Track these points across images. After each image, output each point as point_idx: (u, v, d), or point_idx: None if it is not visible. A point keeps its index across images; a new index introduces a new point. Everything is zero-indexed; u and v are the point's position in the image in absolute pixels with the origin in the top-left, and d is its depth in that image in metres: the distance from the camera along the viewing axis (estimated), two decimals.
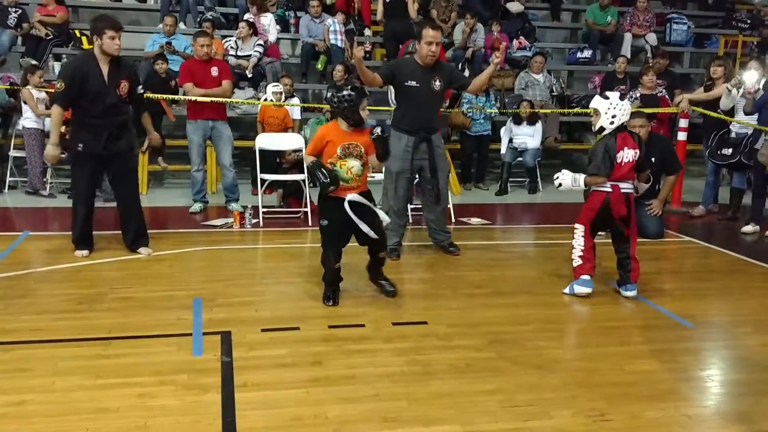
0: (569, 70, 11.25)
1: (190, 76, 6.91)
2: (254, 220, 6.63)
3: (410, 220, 6.61)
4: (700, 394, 3.47)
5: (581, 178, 4.71)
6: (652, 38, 11.07)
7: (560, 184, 4.79)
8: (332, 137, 4.35)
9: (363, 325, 4.14)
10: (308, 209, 6.82)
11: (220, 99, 6.97)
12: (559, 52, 11.85)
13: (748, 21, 12.04)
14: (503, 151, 8.86)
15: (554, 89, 9.76)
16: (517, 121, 8.78)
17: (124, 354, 3.65)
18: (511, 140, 8.83)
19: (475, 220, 7.17)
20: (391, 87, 7.94)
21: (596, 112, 4.63)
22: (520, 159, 8.84)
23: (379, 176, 7.10)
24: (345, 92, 4.29)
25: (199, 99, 6.83)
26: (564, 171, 4.85)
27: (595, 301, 4.70)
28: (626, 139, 4.65)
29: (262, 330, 4.02)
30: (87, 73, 5.07)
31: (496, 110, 9.06)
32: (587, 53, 10.99)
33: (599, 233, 6.58)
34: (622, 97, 4.66)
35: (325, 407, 3.14)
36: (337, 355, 3.70)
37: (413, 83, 5.37)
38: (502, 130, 9.00)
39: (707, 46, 11.95)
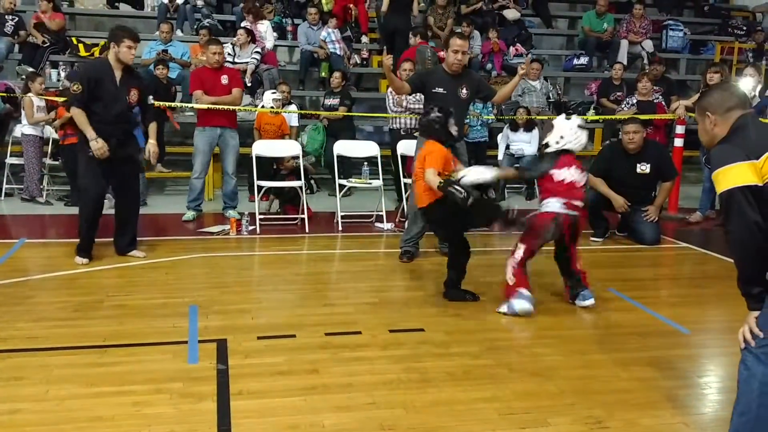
0: (566, 76, 11.28)
1: (200, 84, 6.91)
2: (251, 227, 6.62)
3: (392, 229, 6.60)
4: (697, 401, 3.46)
5: (494, 170, 4.60)
6: (648, 45, 11.10)
7: (462, 176, 4.45)
8: (449, 156, 4.58)
9: (359, 333, 4.13)
10: (305, 216, 6.81)
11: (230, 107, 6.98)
12: (555, 59, 11.89)
13: (744, 28, 12.10)
14: (500, 157, 8.87)
15: (551, 96, 9.78)
16: (514, 127, 8.79)
17: (119, 362, 3.63)
18: (507, 147, 8.83)
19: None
20: (389, 93, 8.04)
21: (552, 126, 4.62)
22: (517, 165, 8.84)
23: (377, 182, 7.13)
24: (433, 115, 4.52)
25: (209, 107, 6.83)
26: (470, 169, 4.58)
27: (591, 308, 4.69)
28: (571, 161, 4.54)
29: (258, 338, 4.00)
30: (101, 78, 5.16)
31: (493, 117, 9.06)
32: (584, 60, 11.02)
33: (595, 239, 6.63)
34: (581, 126, 4.59)
35: (322, 415, 3.12)
36: (334, 363, 3.68)
37: (441, 90, 5.47)
38: (499, 136, 9.01)
39: (703, 53, 12.00)
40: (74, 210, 7.27)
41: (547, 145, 4.61)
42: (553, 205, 4.51)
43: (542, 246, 4.64)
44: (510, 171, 4.62)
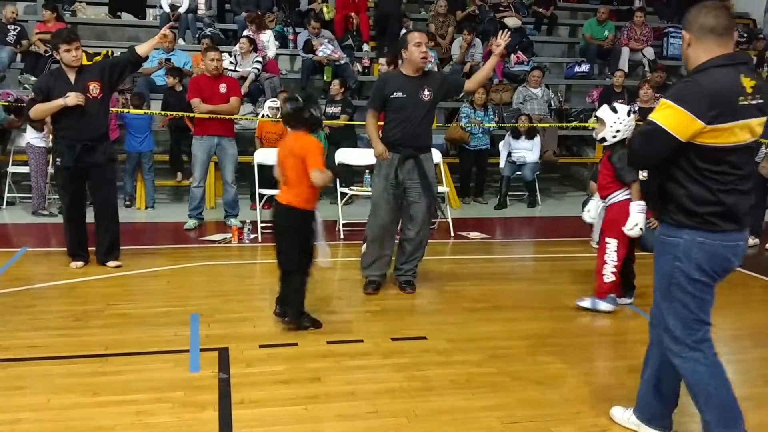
0: (567, 84, 11.29)
1: (198, 92, 6.91)
2: (253, 236, 6.61)
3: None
4: None
5: (637, 204, 4.50)
6: (649, 52, 11.11)
7: (639, 226, 4.51)
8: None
9: (361, 341, 4.12)
10: None
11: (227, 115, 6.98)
12: (556, 67, 11.90)
13: (745, 35, 12.09)
14: (502, 165, 8.87)
15: (552, 103, 9.79)
16: (516, 135, 8.79)
17: (121, 371, 3.62)
18: (509, 154, 8.83)
19: (474, 234, 7.16)
20: None
21: (601, 122, 4.61)
22: (518, 173, 8.84)
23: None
24: (298, 104, 4.11)
25: (206, 115, 6.83)
26: (630, 219, 4.52)
27: (594, 315, 4.68)
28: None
29: (260, 346, 3.99)
30: (54, 85, 5.20)
31: (495, 124, 9.07)
32: (585, 67, 11.03)
33: (596, 246, 6.60)
34: (629, 113, 4.63)
35: (324, 424, 3.11)
36: (336, 372, 3.67)
37: (400, 94, 4.92)
38: (501, 144, 9.01)
39: None
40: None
41: (604, 140, 4.60)
42: (627, 192, 4.56)
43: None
44: (635, 189, 4.49)
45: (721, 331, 4.57)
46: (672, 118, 2.54)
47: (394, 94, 4.93)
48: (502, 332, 4.34)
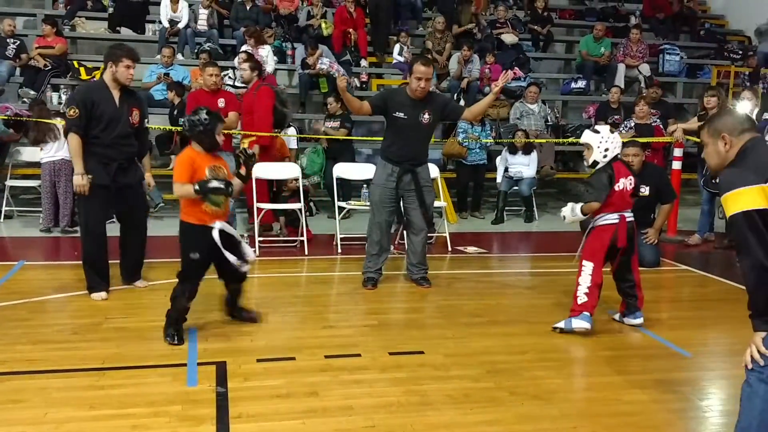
0: (563, 100, 11.35)
1: (196, 107, 6.92)
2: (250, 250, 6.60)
3: (392, 252, 6.51)
4: (699, 425, 3.45)
5: (578, 207, 4.71)
6: (645, 69, 11.19)
7: (564, 216, 4.80)
8: (198, 161, 4.22)
9: (359, 355, 4.12)
10: (304, 238, 6.81)
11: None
12: (553, 83, 11.96)
13: (740, 52, 12.19)
14: (499, 180, 8.89)
15: (549, 119, 9.83)
16: (513, 150, 8.83)
17: (118, 385, 3.62)
18: (506, 169, 8.86)
19: (471, 249, 7.17)
20: None
21: (588, 146, 4.65)
22: (515, 188, 8.87)
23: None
24: (200, 116, 4.20)
25: None
26: (567, 206, 4.83)
27: (591, 331, 4.68)
28: (621, 168, 4.67)
29: (258, 360, 3.99)
30: (99, 99, 4.94)
31: (492, 140, 9.11)
32: (581, 83, 11.09)
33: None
34: (612, 129, 4.69)
35: None
36: (334, 386, 3.67)
37: (401, 115, 5.30)
38: (498, 159, 9.04)
39: (700, 77, 12.09)
40: (73, 232, 7.30)
41: (596, 163, 4.64)
42: (609, 217, 4.60)
43: (605, 262, 4.68)
44: (590, 205, 4.61)
45: (719, 346, 4.59)
46: (744, 197, 2.58)
47: (396, 113, 5.29)
48: (500, 347, 4.34)
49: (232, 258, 4.26)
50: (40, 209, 7.82)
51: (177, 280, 4.33)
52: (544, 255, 7.24)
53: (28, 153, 8.03)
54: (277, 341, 4.34)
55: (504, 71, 5.62)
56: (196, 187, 4.13)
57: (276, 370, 3.85)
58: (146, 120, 5.41)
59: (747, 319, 2.74)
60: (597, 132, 4.64)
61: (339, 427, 3.21)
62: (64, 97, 9.25)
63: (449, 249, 6.99)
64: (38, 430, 3.10)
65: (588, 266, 4.62)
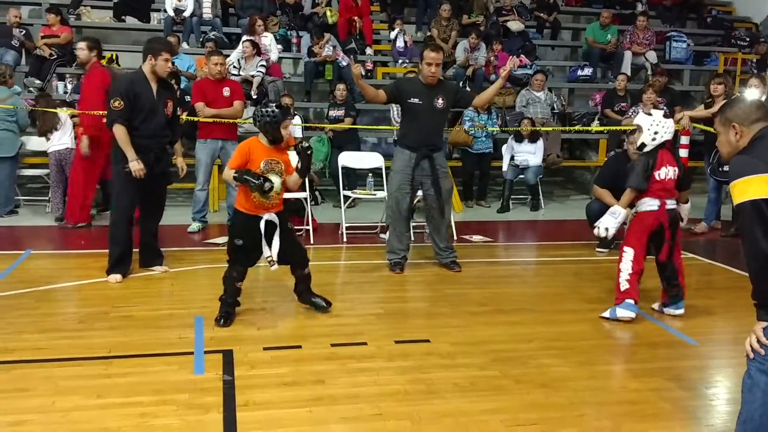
0: (570, 87, 11.29)
1: (201, 96, 6.93)
2: None
3: (412, 238, 6.60)
4: (705, 413, 3.44)
5: (617, 207, 4.67)
6: (652, 56, 11.12)
7: (606, 229, 4.70)
8: (256, 151, 4.34)
9: (365, 344, 4.12)
10: (310, 227, 6.82)
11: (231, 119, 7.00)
12: (559, 70, 11.90)
13: (747, 39, 12.10)
14: (505, 168, 8.86)
15: (555, 107, 9.79)
16: (519, 138, 8.80)
17: (126, 373, 3.63)
18: (512, 158, 8.83)
19: (477, 238, 7.16)
20: (394, 106, 8.06)
21: (639, 128, 4.65)
22: (521, 176, 8.84)
23: (381, 194, 7.13)
24: (270, 109, 4.30)
25: (209, 119, 6.85)
26: (600, 219, 4.78)
27: (597, 319, 4.68)
28: (665, 156, 4.65)
29: (264, 348, 4.00)
30: (140, 91, 5.12)
31: (498, 128, 9.08)
32: (588, 71, 11.03)
33: (601, 250, 6.62)
34: (666, 115, 4.67)
35: (328, 427, 3.11)
36: (340, 374, 3.68)
37: (416, 101, 5.49)
38: (504, 147, 9.01)
39: (707, 64, 12.01)
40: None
41: (644, 146, 4.63)
42: (651, 203, 4.59)
43: (648, 249, 4.68)
44: (625, 197, 4.65)
45: (726, 335, 4.57)
46: (753, 186, 2.54)
47: (411, 99, 5.48)
48: (506, 335, 4.34)
49: (266, 251, 4.37)
50: (46, 198, 7.85)
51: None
52: (550, 243, 7.22)
53: (35, 142, 8.04)
54: (283, 330, 4.35)
55: (510, 57, 5.75)
56: (235, 174, 4.26)
57: (282, 359, 3.86)
58: (178, 109, 5.56)
59: (753, 307, 2.73)
60: (650, 115, 4.64)
61: (346, 414, 3.22)
62: (69, 86, 9.26)
63: (455, 238, 6.97)
64: (46, 418, 3.12)
65: (629, 252, 4.63)
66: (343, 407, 3.29)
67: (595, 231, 4.80)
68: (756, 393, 2.59)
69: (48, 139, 7.45)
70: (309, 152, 4.46)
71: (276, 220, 4.41)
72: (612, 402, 3.45)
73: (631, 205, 4.73)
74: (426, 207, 5.82)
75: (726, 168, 7.60)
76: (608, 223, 4.69)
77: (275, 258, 4.40)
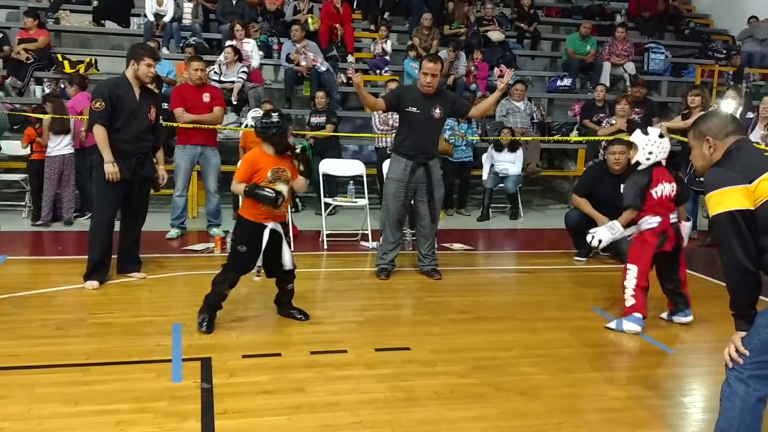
0: (549, 97, 11.39)
1: (181, 101, 6.90)
2: None
3: (407, 245, 6.62)
4: (681, 421, 3.48)
5: (616, 223, 4.70)
6: (630, 67, 11.26)
7: (600, 241, 4.73)
8: (262, 161, 4.34)
9: (345, 351, 4.12)
10: (291, 234, 6.79)
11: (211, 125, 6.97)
12: (539, 80, 12.01)
13: (724, 51, 12.29)
14: (485, 177, 8.91)
15: (535, 117, 9.87)
16: (499, 148, 8.86)
17: (103, 380, 3.59)
18: (492, 167, 8.89)
19: (457, 246, 7.19)
20: (374, 114, 8.08)
21: (634, 146, 4.70)
22: (501, 185, 8.90)
23: (362, 201, 7.14)
24: (273, 119, 4.32)
25: (189, 125, 6.82)
26: (594, 229, 4.82)
27: (576, 327, 4.71)
28: (663, 173, 4.70)
29: (243, 356, 3.97)
30: (123, 94, 5.12)
31: (478, 137, 9.13)
32: (567, 81, 11.15)
33: (578, 259, 6.68)
34: (661, 135, 4.72)
35: None
36: (320, 382, 3.66)
37: (414, 109, 5.53)
38: (484, 156, 9.06)
39: (684, 75, 12.18)
40: (54, 227, 7.24)
41: (638, 164, 4.69)
42: (651, 221, 4.65)
43: (652, 266, 4.74)
44: (624, 216, 4.68)
45: (702, 343, 4.63)
46: (727, 197, 2.60)
47: (409, 108, 5.54)
48: (486, 343, 4.36)
49: (259, 261, 4.37)
50: (23, 203, 7.75)
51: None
52: (529, 252, 7.27)
53: (10, 147, 7.94)
54: (262, 337, 4.33)
55: (509, 69, 6.02)
56: (246, 188, 4.27)
57: (262, 366, 3.84)
58: (161, 117, 5.55)
59: (729, 316, 2.77)
60: (646, 134, 4.69)
61: (325, 422, 3.21)
62: (48, 91, 9.17)
63: (435, 246, 6.97)
64: (22, 426, 3.07)
65: (633, 270, 4.66)
66: (323, 415, 3.28)
67: (588, 238, 4.83)
68: (734, 401, 2.63)
69: (50, 141, 7.33)
70: (305, 152, 4.46)
71: (281, 230, 4.43)
72: (590, 410, 3.48)
73: (633, 222, 4.76)
74: (416, 214, 5.82)
75: (702, 179, 7.71)
76: (603, 236, 4.72)
77: (290, 266, 4.47)
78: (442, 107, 5.60)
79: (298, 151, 4.44)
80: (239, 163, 4.41)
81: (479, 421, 3.28)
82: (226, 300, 4.46)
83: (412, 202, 5.74)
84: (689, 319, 4.82)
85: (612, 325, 4.71)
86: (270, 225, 4.36)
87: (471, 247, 7.27)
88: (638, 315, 4.63)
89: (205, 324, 4.35)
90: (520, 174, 8.92)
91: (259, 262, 4.38)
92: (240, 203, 4.66)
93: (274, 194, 4.21)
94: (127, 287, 5.30)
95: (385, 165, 7.23)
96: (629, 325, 4.63)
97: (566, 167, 10.50)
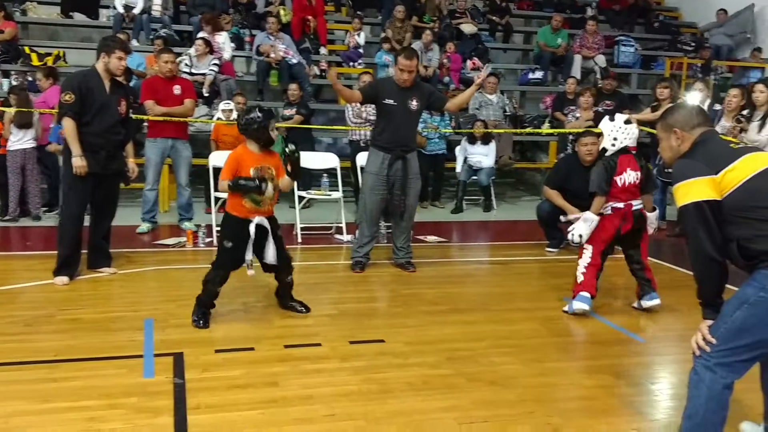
0: (521, 90, 11.47)
1: (152, 94, 6.81)
2: (208, 239, 6.54)
3: (382, 238, 6.62)
4: (651, 408, 3.53)
5: (589, 213, 4.77)
6: (601, 60, 11.37)
7: (580, 236, 4.78)
8: (245, 159, 4.33)
9: (319, 345, 4.11)
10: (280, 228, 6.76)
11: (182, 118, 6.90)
12: (511, 73, 12.08)
13: (692, 44, 12.47)
14: (458, 169, 8.95)
15: (507, 109, 9.92)
16: (472, 140, 8.89)
17: (72, 377, 3.55)
18: (466, 159, 8.92)
19: (431, 238, 7.21)
20: (348, 106, 8.07)
21: (602, 134, 4.77)
22: (474, 178, 8.94)
23: (336, 194, 7.13)
24: (253, 114, 4.29)
25: (159, 118, 6.75)
26: (572, 226, 4.89)
27: (547, 317, 4.76)
28: (629, 160, 4.76)
29: (216, 351, 3.95)
30: (92, 87, 5.05)
31: (451, 130, 9.16)
32: (539, 74, 11.22)
33: (550, 250, 6.73)
34: (627, 122, 4.77)
35: (281, 428, 3.10)
36: (294, 375, 3.66)
37: (391, 102, 5.54)
38: (457, 149, 9.10)
39: (654, 68, 12.34)
40: (22, 222, 7.13)
41: (605, 151, 4.77)
42: (614, 206, 4.74)
43: (609, 249, 4.83)
44: (595, 203, 4.76)
45: (671, 332, 4.70)
46: (694, 188, 2.64)
47: (386, 100, 5.53)
48: (459, 334, 4.38)
49: (248, 255, 4.35)
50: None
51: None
52: (502, 243, 7.32)
53: None
54: (236, 332, 4.31)
55: (486, 64, 5.93)
56: (229, 183, 4.25)
57: (235, 361, 3.82)
58: (131, 110, 5.48)
59: (696, 305, 2.82)
60: (612, 120, 4.75)
61: (299, 416, 3.21)
62: (15, 83, 9.00)
63: (411, 239, 6.99)
64: None
65: (588, 249, 4.78)
66: (297, 408, 3.28)
67: (569, 236, 4.89)
68: (701, 389, 2.68)
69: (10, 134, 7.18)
70: (297, 155, 4.41)
71: (267, 224, 4.39)
72: (561, 398, 3.52)
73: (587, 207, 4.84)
74: (393, 207, 5.82)
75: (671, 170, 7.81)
76: (581, 230, 4.78)
77: (272, 260, 4.41)
78: (418, 99, 5.61)
79: (288, 151, 4.40)
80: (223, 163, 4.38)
81: (452, 411, 3.31)
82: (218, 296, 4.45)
83: (390, 195, 5.75)
84: (656, 302, 4.88)
85: (566, 308, 4.82)
86: (255, 220, 4.34)
87: (445, 239, 7.30)
88: (586, 294, 4.72)
89: (201, 322, 4.34)
90: (493, 166, 8.97)
91: (249, 256, 4.36)
92: (217, 195, 4.61)
93: (256, 183, 4.19)
94: (97, 283, 5.23)
95: (359, 157, 7.25)
96: (577, 305, 4.73)
97: (538, 159, 10.58)
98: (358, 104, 7.05)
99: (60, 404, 3.23)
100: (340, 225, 7.04)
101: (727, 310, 2.67)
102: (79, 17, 10.48)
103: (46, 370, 3.60)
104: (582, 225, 4.79)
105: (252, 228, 4.32)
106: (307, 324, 4.49)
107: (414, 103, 5.59)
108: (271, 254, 4.41)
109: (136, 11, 10.15)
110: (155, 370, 3.66)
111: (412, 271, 5.83)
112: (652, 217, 5.03)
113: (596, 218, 4.77)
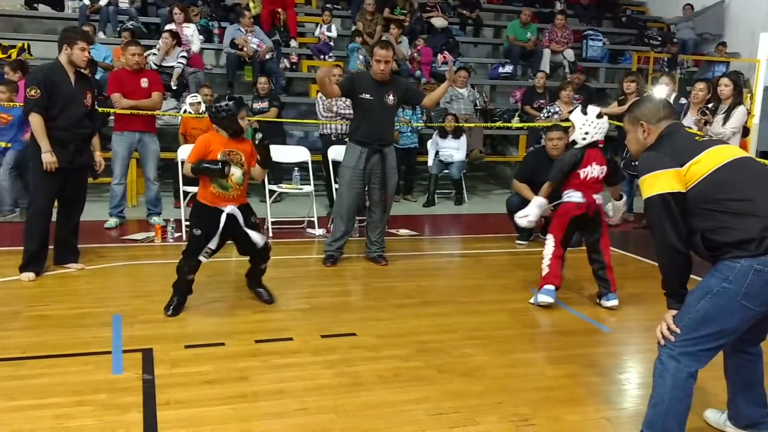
0: (491, 84, 11.53)
1: (118, 86, 6.71)
2: (176, 234, 6.48)
3: (355, 232, 6.60)
4: (618, 397, 3.60)
5: (539, 198, 4.90)
6: (569, 54, 11.48)
7: (525, 216, 4.92)
8: (213, 144, 4.33)
9: (291, 339, 4.11)
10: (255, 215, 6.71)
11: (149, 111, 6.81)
12: (482, 67, 12.13)
13: (659, 38, 12.65)
14: (430, 163, 8.98)
15: (477, 103, 9.98)
16: (443, 134, 8.92)
17: (39, 374, 3.50)
18: (437, 153, 8.96)
19: (403, 231, 7.23)
20: (319, 99, 8.04)
21: (572, 126, 4.79)
22: (446, 171, 8.98)
23: (308, 188, 7.11)
24: (223, 103, 4.29)
25: (126, 111, 6.66)
26: (522, 211, 5.00)
27: (517, 309, 4.81)
28: (595, 155, 4.79)
29: (186, 346, 3.93)
30: (58, 80, 4.98)
31: (423, 123, 9.18)
32: (508, 68, 11.29)
33: (520, 242, 6.80)
34: (599, 116, 4.78)
35: (252, 423, 3.09)
36: (264, 370, 3.65)
37: (367, 96, 5.54)
38: (429, 143, 9.13)
39: (621, 62, 12.49)
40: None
41: (574, 143, 4.79)
42: (575, 195, 4.78)
43: (570, 237, 4.89)
44: (545, 189, 4.91)
45: (637, 322, 4.78)
46: (660, 180, 2.68)
47: (363, 95, 5.54)
48: (430, 327, 4.41)
49: (212, 243, 4.36)
50: None
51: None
52: (473, 236, 7.37)
53: None
54: (206, 327, 4.29)
55: (450, 57, 5.99)
56: (193, 166, 4.25)
57: (205, 356, 3.80)
58: (96, 103, 5.41)
59: (663, 296, 2.88)
60: (585, 114, 4.76)
61: (270, 411, 3.21)
62: None
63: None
64: None
65: (551, 239, 4.87)
66: (267, 403, 3.28)
67: (521, 222, 5.01)
68: (666, 378, 2.73)
69: None
70: (266, 142, 4.43)
71: (238, 213, 4.38)
72: (530, 389, 3.56)
73: (559, 196, 4.90)
74: (369, 201, 5.85)
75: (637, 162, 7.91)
76: (530, 211, 4.91)
77: (260, 242, 4.45)
78: (395, 94, 5.63)
79: (256, 140, 4.40)
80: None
81: (422, 402, 3.33)
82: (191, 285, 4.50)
83: (368, 189, 5.77)
84: (614, 303, 4.89)
85: (531, 300, 4.89)
86: (227, 209, 4.33)
87: (417, 232, 7.33)
88: (550, 287, 4.81)
89: (171, 308, 4.40)
90: (464, 160, 9.02)
91: (212, 245, 4.36)
92: (186, 189, 4.58)
93: (219, 165, 4.17)
94: (64, 278, 5.16)
95: (331, 151, 7.24)
96: (542, 297, 4.82)
97: (508, 153, 10.66)
98: (330, 98, 6.99)
99: (27, 402, 3.19)
100: (312, 219, 7.03)
101: (691, 301, 2.73)
102: (43, 9, 10.28)
103: (13, 368, 3.55)
104: (532, 207, 4.91)
105: (223, 218, 4.31)
106: (278, 318, 4.48)
107: (390, 98, 5.61)
108: (257, 237, 4.43)
109: (102, 3, 9.99)
110: (124, 366, 3.63)
111: (384, 264, 5.84)
112: (619, 204, 5.11)
113: (545, 202, 4.89)
